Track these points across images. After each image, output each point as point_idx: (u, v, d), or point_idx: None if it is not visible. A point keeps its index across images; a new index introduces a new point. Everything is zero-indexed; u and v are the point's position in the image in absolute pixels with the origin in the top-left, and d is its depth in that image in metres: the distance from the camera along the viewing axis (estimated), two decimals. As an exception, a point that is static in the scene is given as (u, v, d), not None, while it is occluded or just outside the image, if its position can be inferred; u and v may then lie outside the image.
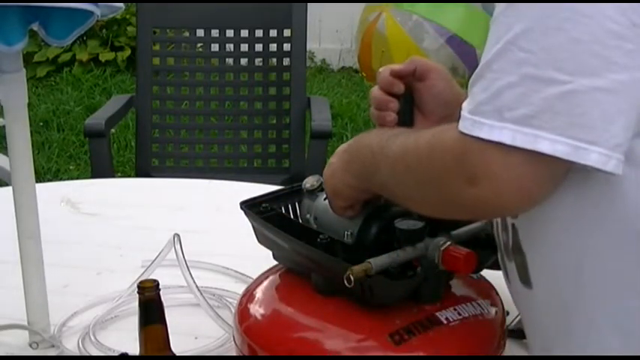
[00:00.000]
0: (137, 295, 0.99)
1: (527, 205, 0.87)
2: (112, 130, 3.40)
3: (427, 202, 0.94)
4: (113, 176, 2.73)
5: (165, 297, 1.01)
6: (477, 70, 0.85)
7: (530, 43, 0.81)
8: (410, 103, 1.16)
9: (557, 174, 0.83)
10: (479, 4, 4.55)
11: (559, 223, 0.89)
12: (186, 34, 2.98)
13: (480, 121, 0.82)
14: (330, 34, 5.46)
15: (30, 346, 1.25)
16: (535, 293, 0.95)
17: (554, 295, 0.93)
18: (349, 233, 1.09)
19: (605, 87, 0.79)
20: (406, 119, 1.14)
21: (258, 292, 1.16)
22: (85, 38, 5.03)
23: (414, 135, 0.94)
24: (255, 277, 1.22)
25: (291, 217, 1.21)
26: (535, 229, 0.92)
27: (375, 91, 1.15)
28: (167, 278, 1.20)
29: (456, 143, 0.85)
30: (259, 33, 2.85)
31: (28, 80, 1.18)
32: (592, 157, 0.80)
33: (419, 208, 0.99)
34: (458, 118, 0.85)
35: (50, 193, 1.73)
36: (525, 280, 0.96)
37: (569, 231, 0.89)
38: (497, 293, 1.14)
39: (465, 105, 0.85)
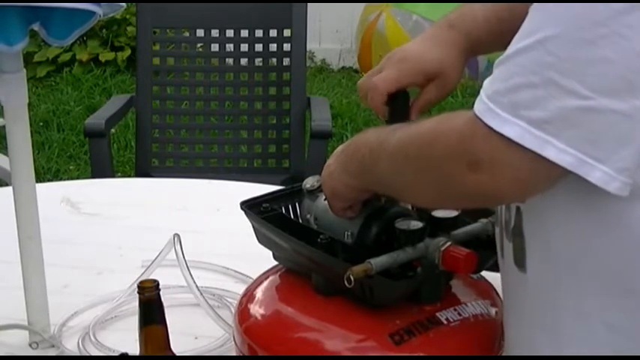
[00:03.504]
0: (137, 295, 0.99)
1: (522, 197, 0.88)
2: (112, 130, 3.40)
3: (424, 191, 0.94)
4: (113, 176, 2.74)
5: (165, 297, 1.01)
6: (503, 55, 0.84)
7: (559, 50, 0.80)
8: (403, 103, 1.16)
9: (555, 174, 0.83)
10: (479, 5, 4.55)
11: (567, 220, 0.89)
12: (186, 34, 2.98)
13: (495, 110, 0.82)
14: (330, 34, 5.46)
15: (30, 346, 1.25)
16: (528, 277, 0.95)
17: (548, 284, 0.93)
18: (349, 233, 1.09)
19: (625, 111, 0.79)
20: (399, 118, 1.15)
21: (258, 293, 1.16)
22: (85, 38, 5.03)
23: (414, 125, 0.95)
24: (255, 277, 1.22)
25: (292, 217, 1.21)
26: (541, 219, 0.92)
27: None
28: (167, 278, 1.21)
29: (465, 125, 0.85)
30: (259, 33, 2.85)
31: (28, 80, 1.18)
32: (596, 174, 0.80)
33: (415, 199, 0.99)
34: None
35: (50, 193, 1.73)
36: (520, 263, 0.96)
37: (576, 230, 0.89)
38: (497, 294, 1.14)
39: (485, 84, 0.85)
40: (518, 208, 0.95)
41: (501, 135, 0.82)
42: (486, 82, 0.85)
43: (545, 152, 0.80)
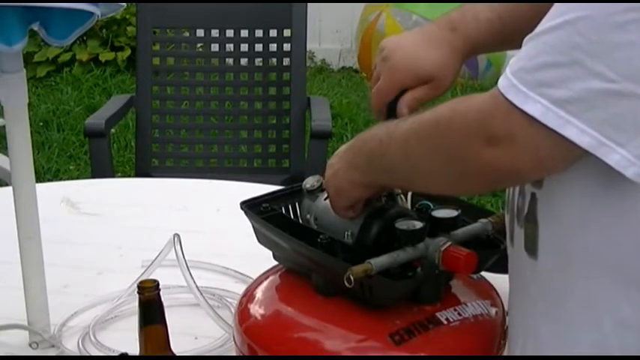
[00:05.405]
0: (137, 295, 0.99)
1: (539, 175, 0.89)
2: (112, 130, 3.40)
3: (437, 174, 0.93)
4: (113, 176, 2.74)
5: (165, 297, 1.01)
6: (532, 33, 0.84)
7: (589, 31, 0.80)
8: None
9: (574, 155, 0.83)
10: (479, 5, 4.55)
11: (583, 209, 0.89)
12: (186, 34, 2.98)
13: (518, 86, 0.82)
14: (330, 34, 5.46)
15: (30, 346, 1.25)
16: (538, 264, 0.95)
17: (558, 271, 0.92)
18: (349, 233, 1.09)
19: None
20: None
21: (258, 293, 1.16)
22: (85, 38, 5.03)
23: (428, 111, 0.94)
24: (255, 277, 1.22)
25: (292, 217, 1.21)
26: (557, 207, 0.91)
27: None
28: (167, 278, 1.20)
29: (486, 102, 0.85)
30: (259, 33, 2.85)
31: (28, 80, 1.18)
32: (614, 157, 0.80)
33: (427, 183, 0.98)
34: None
35: (50, 193, 1.73)
36: (532, 250, 0.95)
37: (592, 219, 0.89)
38: (497, 294, 1.14)
39: (511, 61, 0.85)
40: (533, 195, 0.94)
41: (523, 112, 0.82)
42: (513, 60, 0.85)
43: (566, 132, 0.81)
